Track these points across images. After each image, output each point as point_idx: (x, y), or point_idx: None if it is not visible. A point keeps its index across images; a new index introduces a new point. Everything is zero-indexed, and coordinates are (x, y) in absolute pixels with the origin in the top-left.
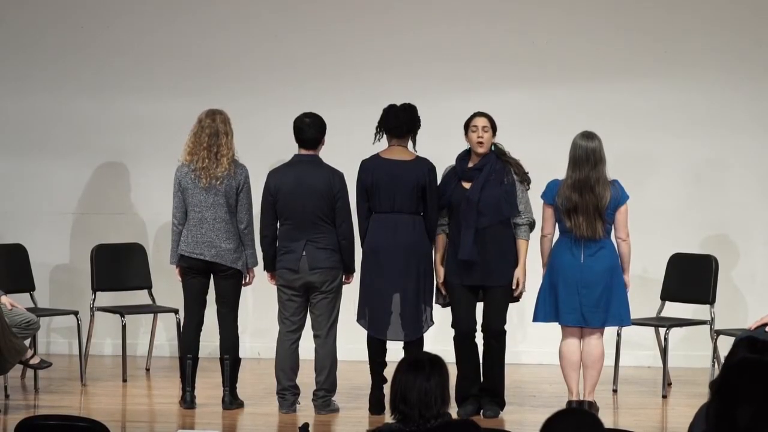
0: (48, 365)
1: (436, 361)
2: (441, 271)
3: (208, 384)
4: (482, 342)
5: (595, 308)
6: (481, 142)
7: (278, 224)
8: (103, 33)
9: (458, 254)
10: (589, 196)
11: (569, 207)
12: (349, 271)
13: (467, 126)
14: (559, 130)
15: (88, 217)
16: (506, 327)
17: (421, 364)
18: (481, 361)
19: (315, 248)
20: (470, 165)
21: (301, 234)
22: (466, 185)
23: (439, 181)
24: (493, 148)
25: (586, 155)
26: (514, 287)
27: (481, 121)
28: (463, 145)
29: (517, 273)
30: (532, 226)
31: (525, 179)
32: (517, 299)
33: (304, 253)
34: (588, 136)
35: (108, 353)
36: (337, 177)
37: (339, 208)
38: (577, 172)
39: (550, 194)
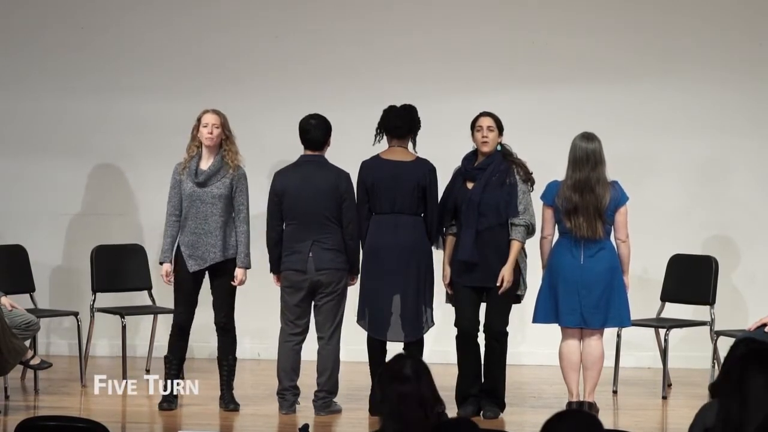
0: (48, 366)
1: (417, 366)
2: (448, 270)
3: (208, 384)
4: (484, 343)
5: (594, 309)
6: (485, 142)
7: (284, 225)
8: (103, 33)
9: (458, 254)
10: (589, 196)
11: (569, 208)
12: (354, 271)
13: (473, 126)
14: (558, 130)
15: (88, 217)
16: (507, 328)
17: (405, 377)
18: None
19: (321, 249)
20: (475, 165)
21: (308, 234)
22: (470, 185)
23: (447, 182)
24: (499, 148)
25: (586, 156)
26: (498, 284)
27: (486, 121)
28: (464, 145)
29: (504, 271)
30: (529, 229)
31: (528, 179)
32: (518, 300)
33: (310, 254)
34: (588, 137)
35: (108, 354)
36: (343, 177)
37: (346, 208)
38: (578, 173)
39: (549, 195)
